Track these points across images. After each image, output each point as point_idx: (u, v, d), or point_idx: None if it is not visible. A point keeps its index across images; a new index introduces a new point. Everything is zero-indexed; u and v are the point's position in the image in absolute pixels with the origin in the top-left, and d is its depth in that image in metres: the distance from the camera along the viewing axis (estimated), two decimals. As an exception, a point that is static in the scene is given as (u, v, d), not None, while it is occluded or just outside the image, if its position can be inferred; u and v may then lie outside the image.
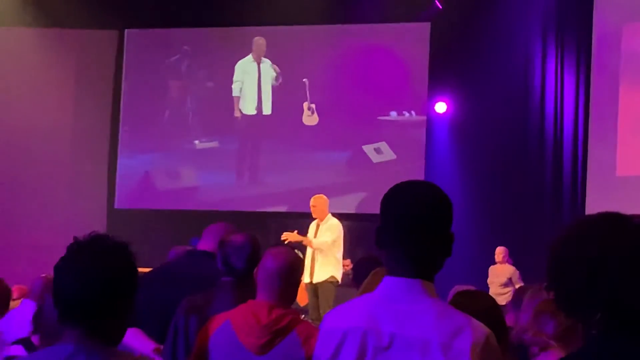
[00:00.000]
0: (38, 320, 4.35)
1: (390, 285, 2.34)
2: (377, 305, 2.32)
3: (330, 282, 10.37)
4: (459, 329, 2.23)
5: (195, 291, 4.20)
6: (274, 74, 14.25)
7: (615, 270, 1.84)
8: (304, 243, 10.35)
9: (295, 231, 10.50)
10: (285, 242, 10.19)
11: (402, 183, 2.43)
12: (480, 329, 2.27)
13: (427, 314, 2.26)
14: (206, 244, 4.69)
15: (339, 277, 10.45)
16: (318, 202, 10.63)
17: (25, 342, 4.66)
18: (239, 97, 14.44)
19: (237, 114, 14.43)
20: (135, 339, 4.41)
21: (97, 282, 2.34)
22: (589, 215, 1.98)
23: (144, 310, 4.41)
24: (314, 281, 10.36)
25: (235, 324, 3.49)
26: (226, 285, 4.04)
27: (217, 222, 4.90)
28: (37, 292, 6.16)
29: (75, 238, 2.41)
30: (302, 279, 3.82)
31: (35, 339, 4.62)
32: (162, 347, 4.11)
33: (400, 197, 2.39)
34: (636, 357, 1.84)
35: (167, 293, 4.38)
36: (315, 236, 10.48)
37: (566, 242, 1.94)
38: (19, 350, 4.60)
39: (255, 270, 3.70)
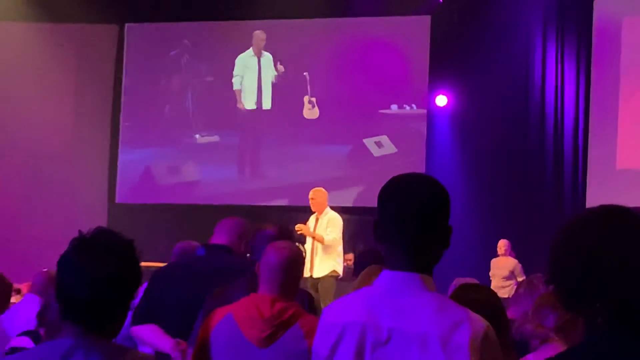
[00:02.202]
0: (43, 315, 4.36)
1: (388, 279, 2.34)
2: (375, 299, 2.32)
3: (331, 276, 10.37)
4: (458, 323, 2.23)
5: (212, 285, 4.18)
6: (276, 73, 14.24)
7: (612, 263, 1.85)
8: (316, 239, 10.33)
9: (307, 223, 10.47)
10: (299, 233, 10.23)
11: (399, 176, 2.41)
12: (479, 322, 2.26)
13: (425, 308, 2.26)
14: (219, 238, 4.66)
15: (340, 270, 10.45)
16: (317, 195, 10.63)
17: (32, 334, 4.68)
18: (240, 90, 14.44)
19: (240, 105, 14.43)
20: (153, 335, 4.41)
21: (101, 281, 2.34)
22: (590, 208, 1.99)
23: (162, 306, 4.41)
24: (315, 276, 10.34)
25: (238, 316, 3.51)
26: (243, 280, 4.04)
27: (230, 217, 4.88)
28: (40, 286, 6.17)
29: (79, 232, 2.40)
30: (303, 272, 3.82)
31: (42, 332, 4.63)
32: (182, 341, 4.08)
33: (397, 190, 2.37)
34: (636, 350, 1.85)
35: (184, 288, 4.37)
36: (314, 229, 10.48)
37: (565, 235, 1.95)
38: (25, 341, 4.61)
39: (257, 264, 3.70)
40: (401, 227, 2.33)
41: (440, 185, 2.39)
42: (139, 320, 4.56)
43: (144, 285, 5.69)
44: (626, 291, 1.84)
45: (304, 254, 3.77)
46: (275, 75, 14.25)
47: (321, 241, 10.31)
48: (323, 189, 10.77)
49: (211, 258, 4.57)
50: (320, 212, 10.55)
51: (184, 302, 4.30)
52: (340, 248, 10.52)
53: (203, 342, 3.55)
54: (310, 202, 10.64)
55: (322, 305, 10.03)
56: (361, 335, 2.28)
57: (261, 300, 3.52)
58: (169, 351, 4.10)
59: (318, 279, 10.33)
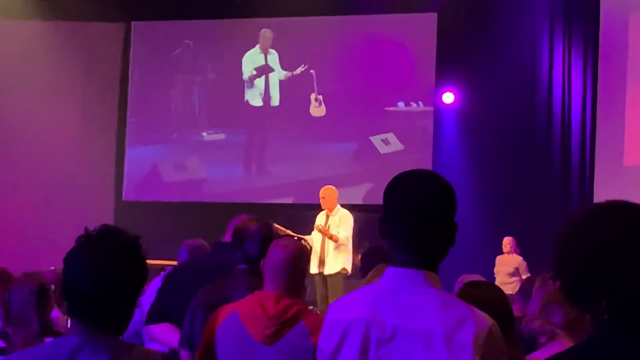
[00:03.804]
0: (7, 312, 4.33)
1: (393, 276, 2.33)
2: (380, 296, 2.31)
3: (340, 274, 10.39)
4: (462, 320, 2.22)
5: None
6: (284, 72, 14.25)
7: (618, 258, 1.84)
8: (333, 240, 10.34)
9: (328, 227, 10.45)
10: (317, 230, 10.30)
11: (404, 172, 2.41)
12: (483, 320, 2.25)
13: (430, 305, 2.25)
14: (230, 236, 4.68)
15: (349, 268, 10.47)
16: (327, 194, 10.64)
17: (2, 334, 4.67)
18: (249, 84, 14.47)
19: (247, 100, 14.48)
20: (167, 333, 4.43)
21: (107, 278, 2.34)
22: (594, 204, 1.98)
23: (175, 305, 4.42)
24: (326, 273, 10.37)
25: (243, 314, 3.50)
26: (242, 274, 4.04)
27: (241, 215, 4.88)
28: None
29: (85, 229, 2.41)
30: (308, 269, 3.82)
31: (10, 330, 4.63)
32: None
33: (402, 186, 2.37)
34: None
35: (196, 287, 4.38)
36: (325, 226, 10.48)
37: (570, 231, 1.94)
38: None
39: (262, 261, 3.70)
40: (406, 224, 2.32)
41: (445, 182, 2.38)
42: (153, 319, 4.59)
43: (152, 282, 5.70)
44: (633, 287, 1.84)
45: (309, 249, 3.76)
46: (284, 74, 14.26)
47: (336, 240, 10.33)
48: (333, 187, 10.78)
49: (222, 256, 4.58)
50: (331, 210, 10.57)
51: (191, 299, 4.31)
52: (350, 246, 10.55)
53: (209, 340, 3.55)
54: (321, 200, 10.65)
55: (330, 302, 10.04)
56: (366, 332, 2.28)
57: (266, 298, 3.52)
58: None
59: (328, 276, 10.35)
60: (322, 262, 10.38)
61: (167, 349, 4.38)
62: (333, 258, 10.39)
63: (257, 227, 4.18)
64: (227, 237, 4.70)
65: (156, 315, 4.56)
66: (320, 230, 10.37)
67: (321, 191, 10.70)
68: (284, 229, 10.24)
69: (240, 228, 4.22)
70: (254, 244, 4.10)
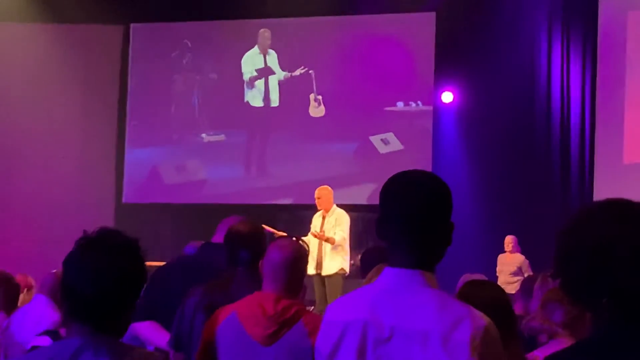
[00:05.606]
0: None
1: (390, 277, 2.34)
2: (378, 297, 2.32)
3: (338, 274, 10.37)
4: (459, 320, 2.22)
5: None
6: (283, 73, 14.26)
7: (616, 257, 1.84)
8: (330, 242, 10.32)
9: (323, 231, 10.42)
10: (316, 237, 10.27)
11: (399, 173, 2.41)
12: (480, 319, 2.25)
13: (427, 306, 2.26)
14: (220, 236, 4.70)
15: (347, 268, 10.45)
16: (322, 194, 10.61)
17: (52, 334, 4.71)
18: (249, 85, 14.47)
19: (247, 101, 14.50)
20: (152, 331, 4.45)
21: (107, 281, 2.35)
22: (594, 202, 1.98)
23: (160, 303, 4.44)
24: (323, 274, 10.35)
25: (242, 315, 3.51)
26: (242, 275, 4.06)
27: (231, 216, 4.90)
28: (49, 287, 6.16)
29: (84, 232, 2.42)
30: (306, 269, 3.83)
31: (63, 331, 4.66)
32: None
33: (397, 187, 2.37)
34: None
35: (182, 286, 4.40)
36: (322, 227, 10.46)
37: (570, 230, 1.95)
38: (45, 341, 4.63)
39: (260, 262, 3.71)
40: (402, 225, 2.33)
41: (441, 182, 2.39)
42: (138, 317, 4.59)
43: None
44: (633, 285, 1.84)
45: (307, 250, 3.77)
46: (283, 75, 14.26)
47: (333, 243, 10.31)
48: (328, 187, 10.76)
49: (209, 256, 4.61)
50: (327, 210, 10.55)
51: (177, 298, 4.33)
52: (347, 246, 10.53)
53: (208, 341, 3.56)
54: (316, 201, 10.63)
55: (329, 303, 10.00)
56: (363, 333, 2.29)
57: (265, 299, 3.53)
58: (166, 346, 4.13)
59: (326, 276, 10.34)
60: (319, 264, 10.35)
61: (152, 347, 4.39)
62: (330, 259, 10.36)
63: (249, 229, 4.21)
64: (216, 238, 4.72)
65: (141, 313, 4.58)
66: (315, 236, 10.34)
67: (316, 192, 10.68)
68: (274, 230, 10.23)
69: (233, 230, 4.23)
70: (249, 245, 4.12)
